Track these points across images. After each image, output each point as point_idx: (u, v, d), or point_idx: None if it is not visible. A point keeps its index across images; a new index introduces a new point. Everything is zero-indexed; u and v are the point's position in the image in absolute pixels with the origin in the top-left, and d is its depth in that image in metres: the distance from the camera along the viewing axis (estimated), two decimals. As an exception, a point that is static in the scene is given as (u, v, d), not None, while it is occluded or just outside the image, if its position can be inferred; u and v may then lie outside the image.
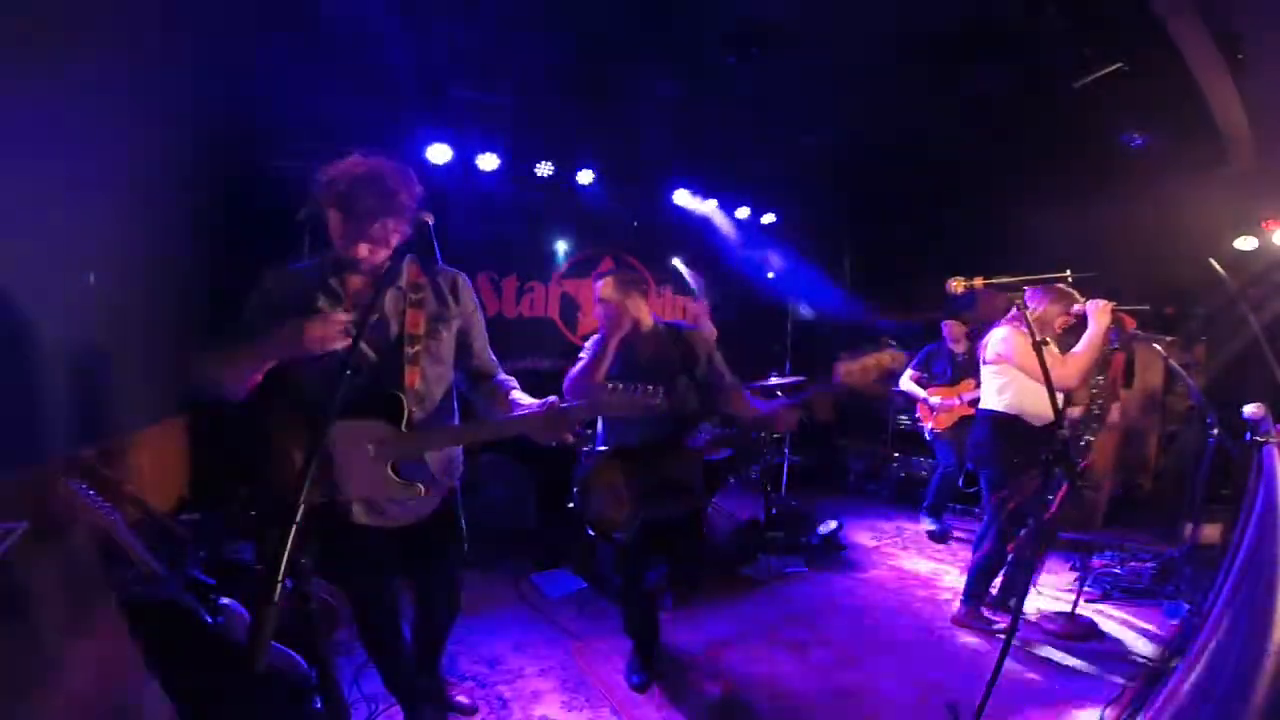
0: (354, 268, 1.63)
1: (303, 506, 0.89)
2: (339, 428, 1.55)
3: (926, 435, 4.69)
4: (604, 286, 2.43)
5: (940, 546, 4.31)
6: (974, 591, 3.05)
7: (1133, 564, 3.67)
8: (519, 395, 1.82)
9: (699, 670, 2.63)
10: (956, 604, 3.12)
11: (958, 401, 4.39)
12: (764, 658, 2.74)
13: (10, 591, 1.18)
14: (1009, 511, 2.87)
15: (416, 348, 1.70)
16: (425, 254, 1.55)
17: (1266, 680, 1.13)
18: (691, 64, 3.87)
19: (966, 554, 4.14)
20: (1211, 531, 3.72)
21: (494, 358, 1.95)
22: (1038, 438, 2.83)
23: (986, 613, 3.07)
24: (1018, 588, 2.98)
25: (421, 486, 1.65)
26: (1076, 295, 2.88)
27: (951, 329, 4.62)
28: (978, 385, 3.39)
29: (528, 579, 3.51)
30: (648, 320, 2.48)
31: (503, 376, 1.91)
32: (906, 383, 4.67)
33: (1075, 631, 2.92)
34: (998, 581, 3.07)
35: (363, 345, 1.62)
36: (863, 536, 4.45)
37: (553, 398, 1.69)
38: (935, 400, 4.50)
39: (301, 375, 1.59)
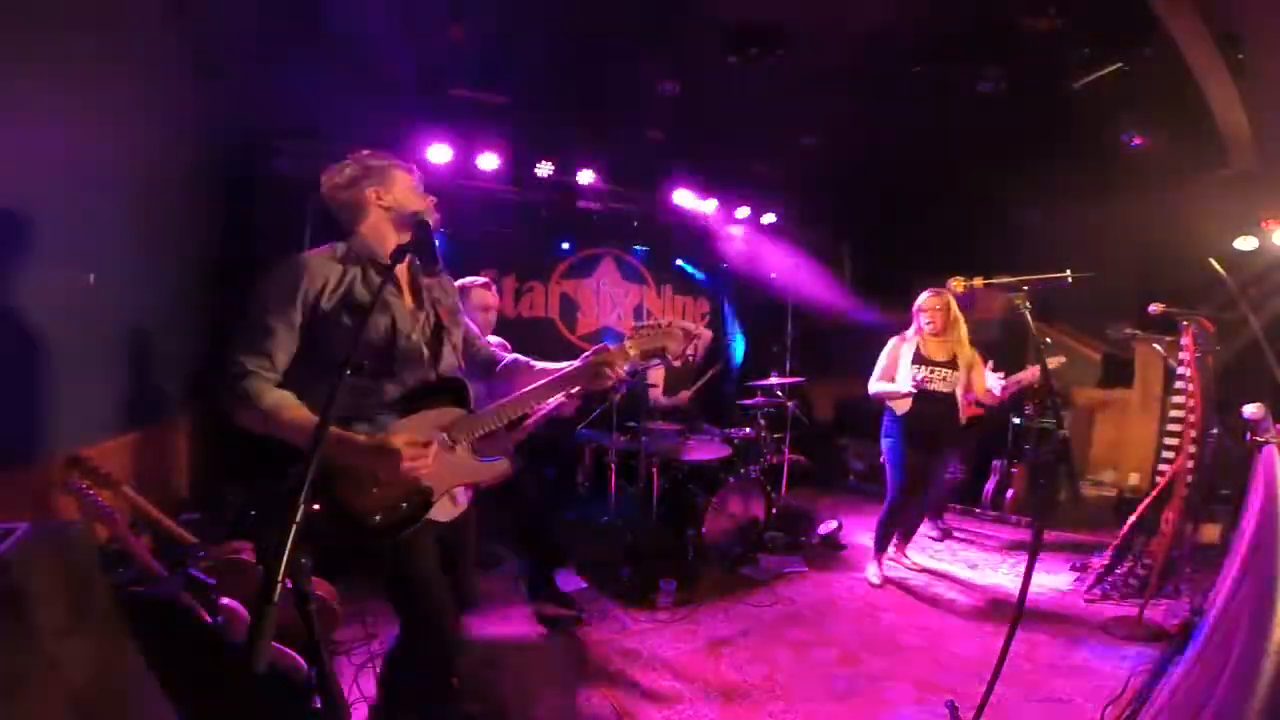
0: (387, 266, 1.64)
1: (302, 507, 0.89)
2: (410, 422, 1.57)
3: None
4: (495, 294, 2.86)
5: (939, 546, 4.31)
6: (877, 542, 3.75)
7: (1133, 563, 3.66)
8: (541, 363, 1.91)
9: (699, 670, 2.63)
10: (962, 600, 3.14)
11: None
12: (764, 658, 2.74)
13: (10, 591, 1.18)
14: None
15: (456, 339, 1.79)
16: (425, 254, 1.55)
17: (1266, 680, 1.13)
18: (691, 64, 3.87)
19: (967, 554, 4.15)
20: (1211, 531, 3.72)
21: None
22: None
23: (884, 558, 3.78)
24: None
25: (505, 460, 1.75)
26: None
27: None
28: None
29: (528, 579, 3.50)
30: None
31: (510, 356, 1.99)
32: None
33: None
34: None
35: (415, 337, 1.64)
36: (863, 536, 4.44)
37: (597, 345, 1.78)
38: None
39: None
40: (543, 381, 1.75)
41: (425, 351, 1.66)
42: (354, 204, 1.64)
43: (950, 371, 3.45)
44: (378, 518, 1.52)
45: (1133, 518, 3.33)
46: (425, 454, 1.46)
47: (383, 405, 1.57)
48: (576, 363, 1.76)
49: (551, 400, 2.27)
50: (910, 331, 3.57)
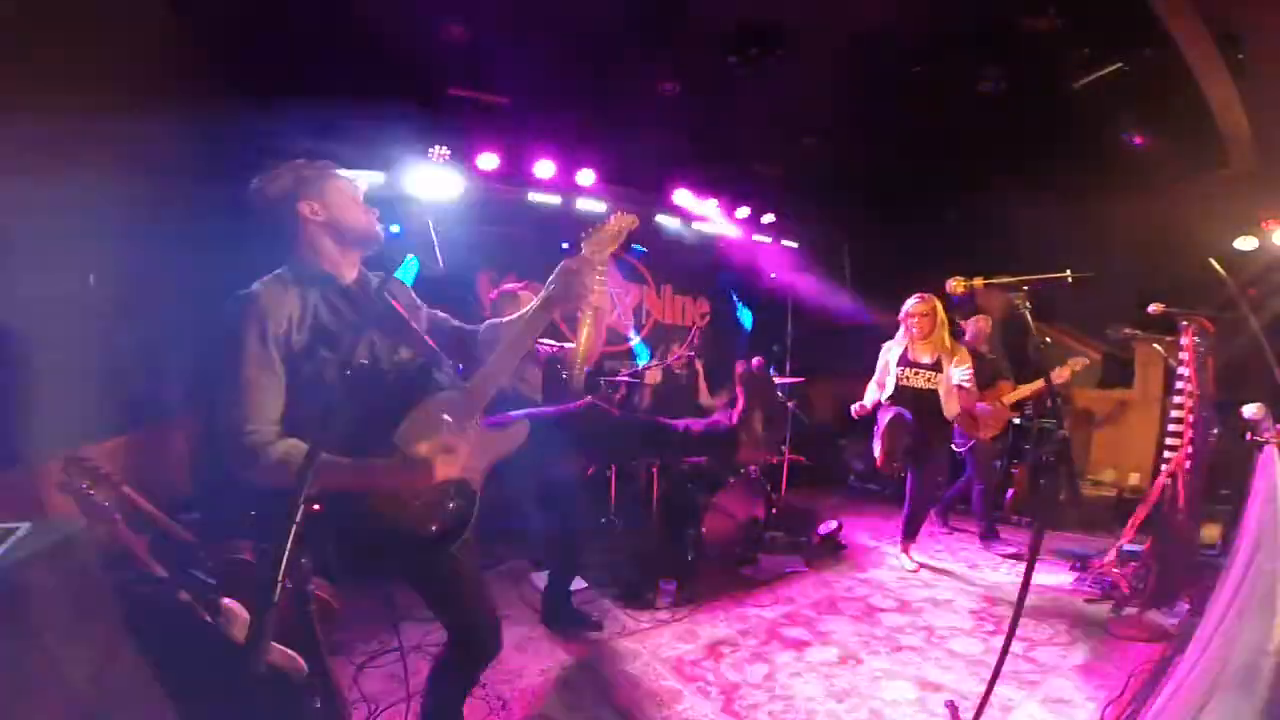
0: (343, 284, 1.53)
1: (301, 507, 0.89)
2: (411, 424, 1.46)
3: (959, 449, 4.21)
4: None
5: (939, 547, 4.30)
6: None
7: (1133, 564, 3.66)
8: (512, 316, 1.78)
9: (699, 670, 2.63)
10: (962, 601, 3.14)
11: (995, 406, 4.09)
12: (764, 658, 2.74)
13: (10, 591, 1.18)
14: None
15: (420, 333, 1.67)
16: (426, 254, 1.54)
17: (1266, 680, 1.13)
18: (691, 64, 3.87)
19: (967, 554, 4.15)
20: (1211, 531, 3.72)
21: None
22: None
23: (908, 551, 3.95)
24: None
25: (523, 421, 1.64)
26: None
27: (979, 326, 4.26)
28: (1015, 386, 3.96)
29: (528, 579, 3.51)
30: None
31: (482, 326, 1.83)
32: None
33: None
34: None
35: (389, 344, 1.54)
36: (863, 536, 4.45)
37: (565, 263, 1.65)
38: (980, 407, 4.02)
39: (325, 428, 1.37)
40: (517, 318, 1.65)
41: (410, 358, 1.57)
42: (287, 218, 1.48)
43: (933, 373, 3.61)
44: (434, 526, 1.46)
45: (1133, 520, 3.31)
46: (454, 456, 1.39)
47: (390, 429, 1.45)
48: (543, 293, 1.62)
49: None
50: (899, 335, 3.74)
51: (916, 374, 3.63)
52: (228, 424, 1.31)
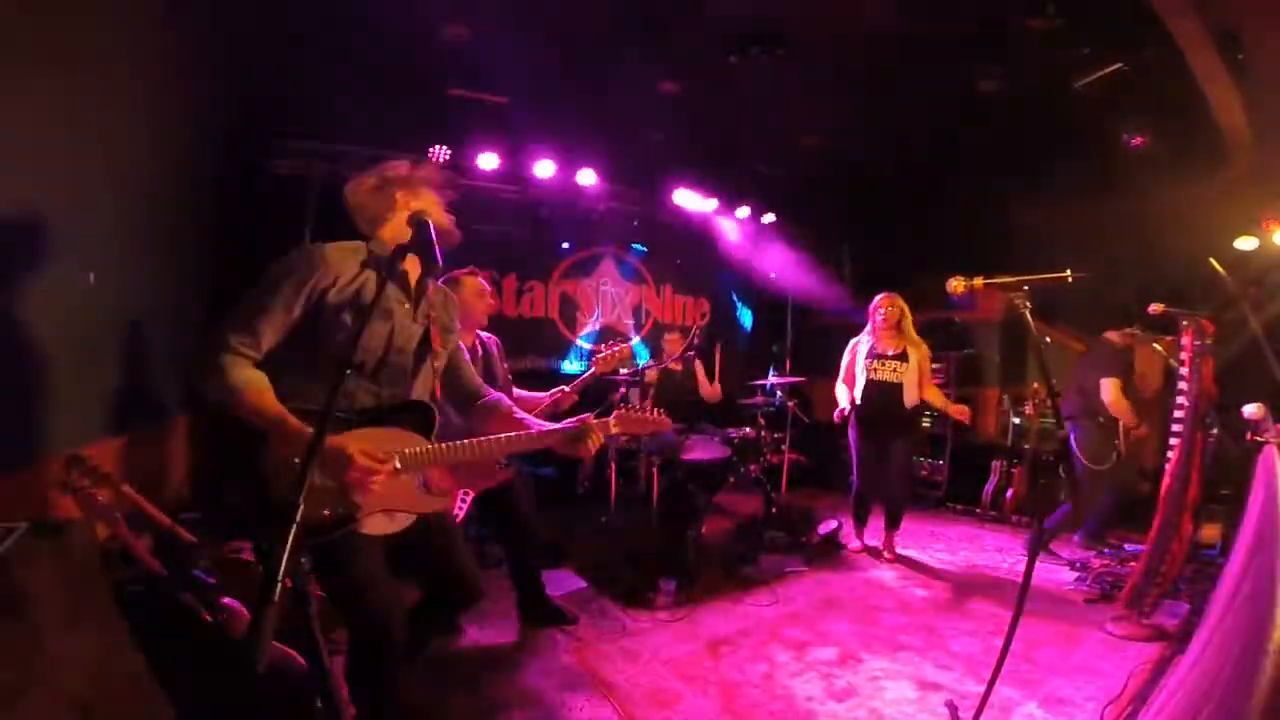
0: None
1: (301, 506, 0.89)
2: (369, 433, 1.53)
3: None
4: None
5: (939, 545, 4.30)
6: (854, 519, 4.17)
7: (1133, 564, 3.67)
8: (521, 413, 1.87)
9: (699, 670, 2.63)
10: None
11: None
12: (764, 658, 2.74)
13: (10, 591, 1.18)
14: None
15: (439, 362, 1.75)
16: (425, 254, 1.52)
17: (1266, 680, 1.13)
18: (691, 64, 3.87)
19: (966, 553, 4.15)
20: (1211, 531, 3.72)
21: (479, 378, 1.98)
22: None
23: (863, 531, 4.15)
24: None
25: (452, 494, 1.72)
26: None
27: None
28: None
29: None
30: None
31: (494, 394, 1.92)
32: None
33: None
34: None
35: (408, 351, 1.65)
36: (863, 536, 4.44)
37: (585, 415, 1.77)
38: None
39: (308, 377, 1.51)
40: (513, 435, 1.74)
41: (411, 367, 1.67)
42: (384, 201, 1.67)
43: (899, 364, 3.80)
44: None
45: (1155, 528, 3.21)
46: (379, 469, 1.45)
47: (352, 410, 1.55)
48: (556, 426, 1.77)
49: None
50: (866, 330, 3.95)
51: (883, 364, 3.81)
52: (223, 327, 1.44)
